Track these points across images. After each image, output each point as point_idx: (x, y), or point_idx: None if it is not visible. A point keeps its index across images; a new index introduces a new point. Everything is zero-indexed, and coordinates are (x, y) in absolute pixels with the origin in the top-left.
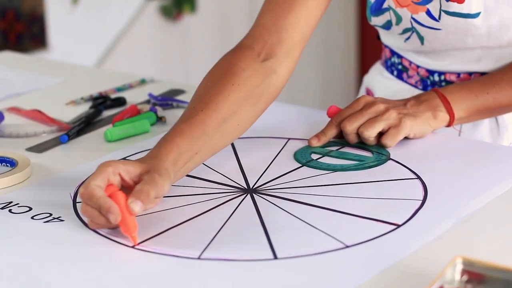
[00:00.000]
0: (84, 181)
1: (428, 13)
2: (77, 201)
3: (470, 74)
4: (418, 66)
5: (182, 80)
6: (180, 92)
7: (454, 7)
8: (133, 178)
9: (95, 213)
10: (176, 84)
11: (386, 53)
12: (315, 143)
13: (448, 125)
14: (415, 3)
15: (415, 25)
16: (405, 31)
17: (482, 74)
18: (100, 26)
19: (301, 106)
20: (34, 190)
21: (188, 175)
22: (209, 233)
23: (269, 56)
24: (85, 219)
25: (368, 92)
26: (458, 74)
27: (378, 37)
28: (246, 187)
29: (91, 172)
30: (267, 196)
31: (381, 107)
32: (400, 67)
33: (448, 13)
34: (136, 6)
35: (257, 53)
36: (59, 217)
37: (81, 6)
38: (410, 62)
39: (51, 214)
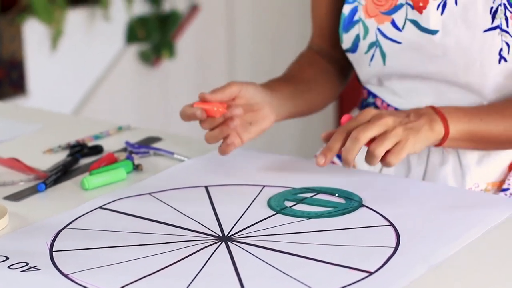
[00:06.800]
0: None
1: (393, 23)
2: (53, 250)
3: None
4: (388, 105)
5: (162, 124)
6: (157, 139)
7: (417, 16)
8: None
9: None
10: (153, 131)
11: (364, 94)
12: (322, 161)
13: (441, 142)
14: (382, 13)
15: (379, 37)
16: (370, 46)
17: None
18: (79, 71)
19: (277, 154)
20: (11, 239)
21: (162, 222)
22: (184, 281)
23: (322, 50)
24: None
25: None
26: None
27: (358, 80)
28: (220, 235)
29: (69, 221)
30: (242, 244)
31: (389, 121)
32: (372, 107)
33: (411, 21)
34: (115, 51)
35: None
36: (36, 266)
37: (60, 52)
38: (382, 101)
39: (27, 263)
